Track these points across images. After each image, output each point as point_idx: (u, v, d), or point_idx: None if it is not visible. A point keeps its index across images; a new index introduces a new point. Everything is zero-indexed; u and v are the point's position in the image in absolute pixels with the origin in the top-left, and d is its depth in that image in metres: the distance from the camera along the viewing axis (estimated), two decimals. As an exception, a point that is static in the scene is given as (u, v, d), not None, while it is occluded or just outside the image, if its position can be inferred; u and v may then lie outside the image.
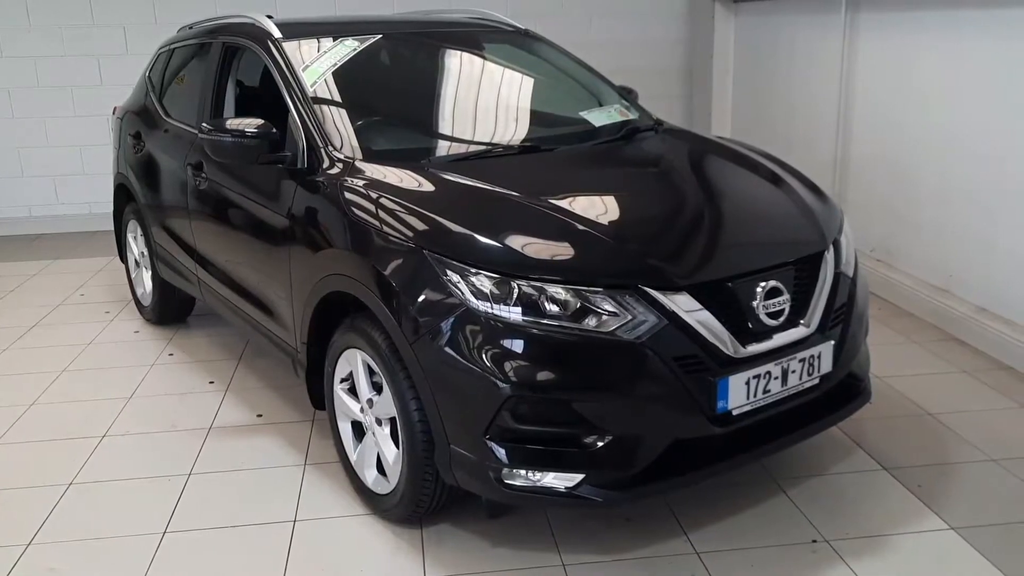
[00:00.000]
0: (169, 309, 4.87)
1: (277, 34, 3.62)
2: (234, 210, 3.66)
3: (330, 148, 3.15)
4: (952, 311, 4.45)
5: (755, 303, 2.61)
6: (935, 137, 4.64)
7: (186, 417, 3.83)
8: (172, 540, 2.94)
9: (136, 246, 5.00)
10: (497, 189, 2.88)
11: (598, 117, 3.72)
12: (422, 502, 2.80)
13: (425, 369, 2.58)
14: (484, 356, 2.47)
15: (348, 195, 2.95)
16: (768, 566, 2.70)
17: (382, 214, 2.81)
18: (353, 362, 2.97)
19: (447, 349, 2.53)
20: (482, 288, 2.51)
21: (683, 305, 2.50)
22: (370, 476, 3.00)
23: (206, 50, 4.17)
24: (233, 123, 3.23)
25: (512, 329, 2.47)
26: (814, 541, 2.80)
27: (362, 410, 2.99)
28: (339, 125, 3.23)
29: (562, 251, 2.60)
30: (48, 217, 7.39)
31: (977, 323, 4.27)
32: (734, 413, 2.58)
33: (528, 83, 3.92)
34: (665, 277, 2.53)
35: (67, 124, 7.22)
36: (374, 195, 2.89)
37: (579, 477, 2.50)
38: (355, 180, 3.00)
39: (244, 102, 4.07)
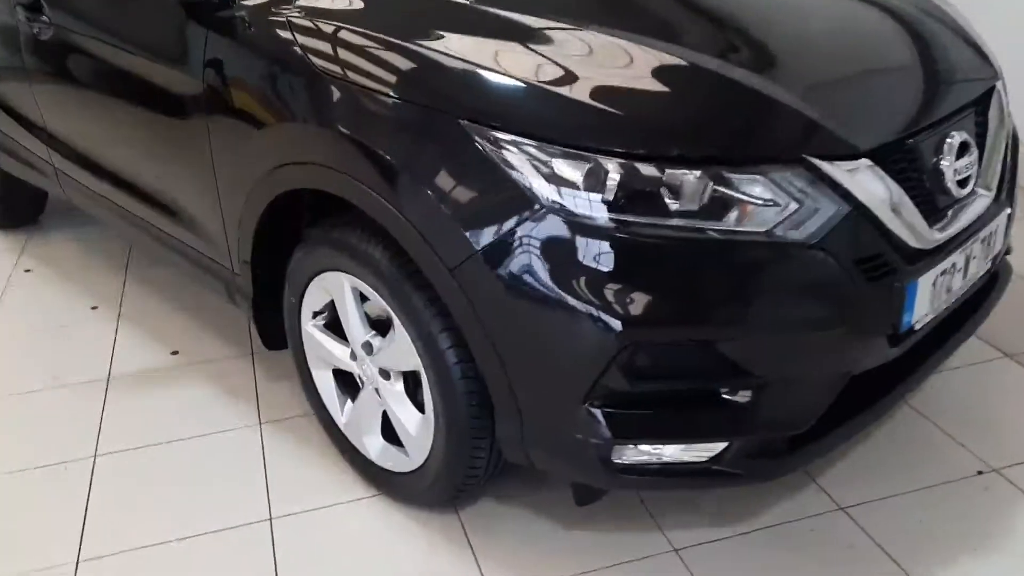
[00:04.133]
0: (15, 207, 3.65)
1: None
2: (101, 70, 2.50)
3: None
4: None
5: (943, 165, 1.80)
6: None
7: (71, 364, 2.77)
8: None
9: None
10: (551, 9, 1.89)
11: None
12: (468, 484, 1.96)
13: (478, 308, 1.68)
14: (579, 285, 1.59)
15: (303, 37, 1.90)
16: (937, 514, 2.03)
17: (369, 64, 1.80)
18: (335, 290, 2.01)
19: (517, 277, 1.62)
20: (561, 174, 1.59)
21: (865, 180, 1.66)
22: (373, 446, 2.12)
23: None
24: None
25: (615, 239, 1.58)
26: (980, 473, 2.14)
27: (354, 357, 2.07)
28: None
29: (682, 108, 1.69)
30: None
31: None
32: (916, 328, 1.81)
33: None
34: (839, 140, 1.67)
35: None
36: (349, 31, 1.85)
37: (720, 446, 1.71)
38: (305, 8, 1.94)
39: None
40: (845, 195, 1.63)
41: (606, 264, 1.58)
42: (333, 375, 2.18)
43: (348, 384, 2.18)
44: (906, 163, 1.74)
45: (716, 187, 1.59)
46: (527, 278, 1.61)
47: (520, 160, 1.60)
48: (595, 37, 1.79)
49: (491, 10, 1.88)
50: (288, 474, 2.25)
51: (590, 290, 1.58)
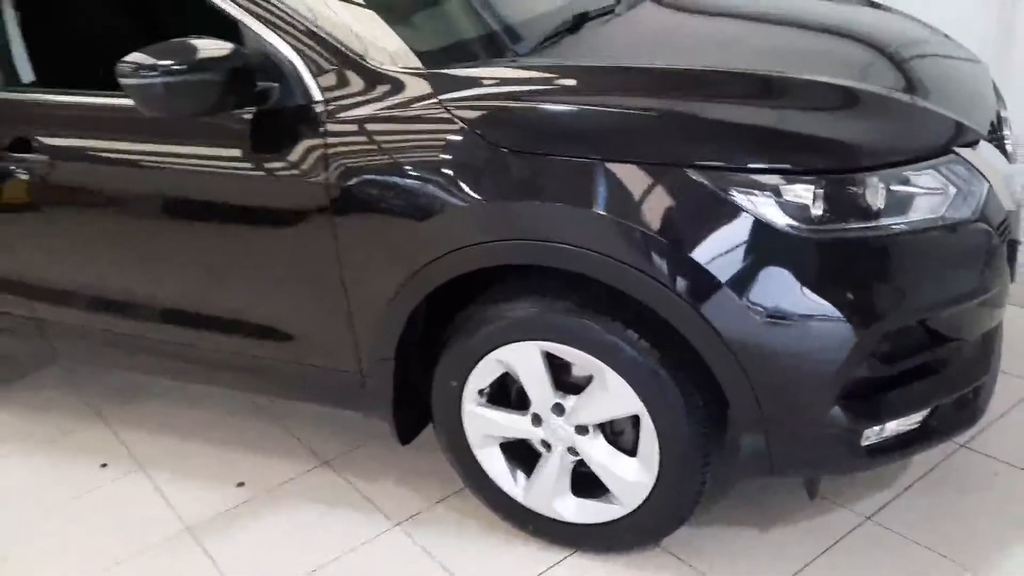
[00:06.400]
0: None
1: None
2: (141, 200, 2.32)
3: (370, 61, 2.03)
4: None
5: (1004, 137, 2.21)
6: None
7: (131, 530, 2.47)
8: None
9: None
10: (701, 67, 2.05)
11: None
12: (683, 510, 2.08)
13: (729, 340, 1.80)
14: (831, 296, 1.77)
15: (483, 123, 1.90)
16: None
17: (572, 134, 1.88)
18: (519, 360, 2.03)
19: (770, 305, 1.77)
20: (789, 198, 1.77)
21: (989, 158, 1.99)
22: (566, 508, 2.15)
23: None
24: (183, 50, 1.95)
25: (851, 247, 1.80)
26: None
27: (536, 421, 2.09)
28: (366, 27, 2.09)
29: (869, 125, 1.93)
30: None
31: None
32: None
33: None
34: (970, 131, 1.99)
35: None
36: (530, 106, 1.92)
37: (927, 411, 1.96)
38: (466, 93, 1.96)
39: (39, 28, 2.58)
40: (981, 174, 1.95)
41: (849, 271, 1.79)
42: (501, 450, 2.19)
43: (513, 454, 2.19)
44: (995, 141, 2.10)
45: (900, 186, 1.84)
46: (780, 303, 1.76)
47: (752, 194, 1.76)
48: (784, 77, 2.01)
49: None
50: (472, 568, 2.19)
51: (842, 299, 1.76)
